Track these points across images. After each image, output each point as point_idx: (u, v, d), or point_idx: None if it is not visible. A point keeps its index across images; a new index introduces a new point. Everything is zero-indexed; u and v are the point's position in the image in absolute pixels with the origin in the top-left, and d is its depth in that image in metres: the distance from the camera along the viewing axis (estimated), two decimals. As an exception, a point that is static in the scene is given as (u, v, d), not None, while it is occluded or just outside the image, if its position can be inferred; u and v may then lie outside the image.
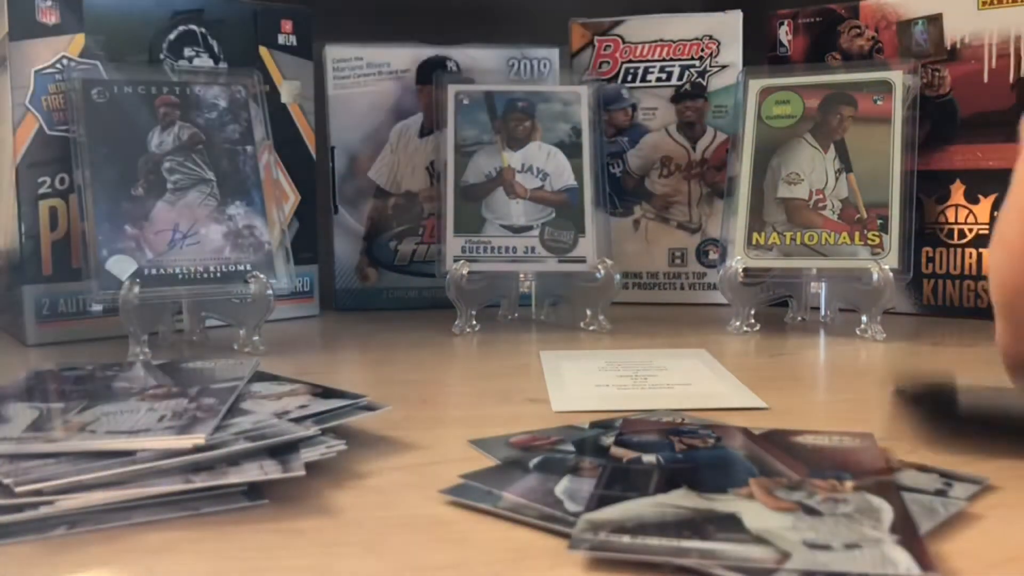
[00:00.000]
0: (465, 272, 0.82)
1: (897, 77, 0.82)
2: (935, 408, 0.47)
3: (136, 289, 0.72)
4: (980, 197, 0.88)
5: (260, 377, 0.58)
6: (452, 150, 0.86)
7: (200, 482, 0.40)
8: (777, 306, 0.88)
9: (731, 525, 0.36)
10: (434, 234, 0.95)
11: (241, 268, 0.77)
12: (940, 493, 0.40)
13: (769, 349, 0.76)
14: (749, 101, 0.86)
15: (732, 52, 0.98)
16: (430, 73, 0.95)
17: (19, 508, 0.38)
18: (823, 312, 0.87)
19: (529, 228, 0.84)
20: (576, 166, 0.86)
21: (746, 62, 0.98)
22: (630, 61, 1.00)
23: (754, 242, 0.83)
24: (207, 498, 0.40)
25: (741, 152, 0.86)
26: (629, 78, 1.01)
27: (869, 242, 0.80)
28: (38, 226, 0.79)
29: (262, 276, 0.76)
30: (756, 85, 0.87)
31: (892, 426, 0.54)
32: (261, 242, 0.78)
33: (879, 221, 0.80)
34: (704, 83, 0.99)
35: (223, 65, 0.87)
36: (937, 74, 0.89)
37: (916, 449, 0.48)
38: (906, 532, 0.35)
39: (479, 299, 0.85)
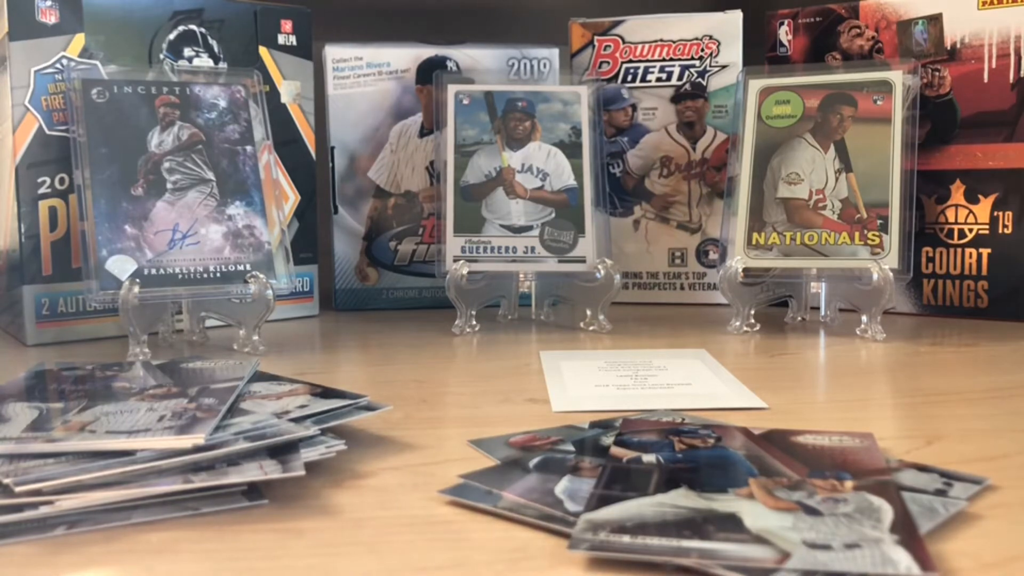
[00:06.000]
0: (465, 272, 0.82)
1: (897, 77, 0.82)
2: None
3: (136, 289, 0.72)
4: (980, 197, 0.88)
5: (260, 377, 0.58)
6: (452, 150, 0.86)
7: (200, 482, 0.40)
8: (777, 306, 0.88)
9: (731, 525, 0.36)
10: (434, 234, 0.95)
11: (241, 268, 0.77)
12: (940, 493, 0.40)
13: (769, 349, 0.76)
14: (749, 101, 0.86)
15: (732, 52, 0.98)
16: (430, 73, 0.94)
17: (19, 508, 0.38)
18: (823, 312, 0.87)
19: (529, 228, 0.84)
20: (576, 166, 0.86)
21: (746, 62, 0.98)
22: (630, 61, 1.00)
23: (754, 242, 0.83)
24: (207, 498, 0.40)
25: (741, 152, 0.86)
26: (629, 78, 1.01)
27: (869, 242, 0.80)
28: (38, 226, 0.79)
29: (262, 276, 0.76)
30: (756, 85, 0.87)
31: (892, 426, 0.54)
32: (261, 242, 0.78)
33: (879, 221, 0.80)
34: (704, 83, 0.99)
35: (223, 65, 0.87)
36: (937, 74, 0.89)
37: (916, 449, 0.48)
38: (906, 532, 0.35)
39: (479, 299, 0.85)
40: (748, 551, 0.33)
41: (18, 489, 0.38)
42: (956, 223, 0.89)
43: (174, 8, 0.85)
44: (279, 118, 0.90)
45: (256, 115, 0.82)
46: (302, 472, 0.41)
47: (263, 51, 0.90)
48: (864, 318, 0.80)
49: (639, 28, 1.00)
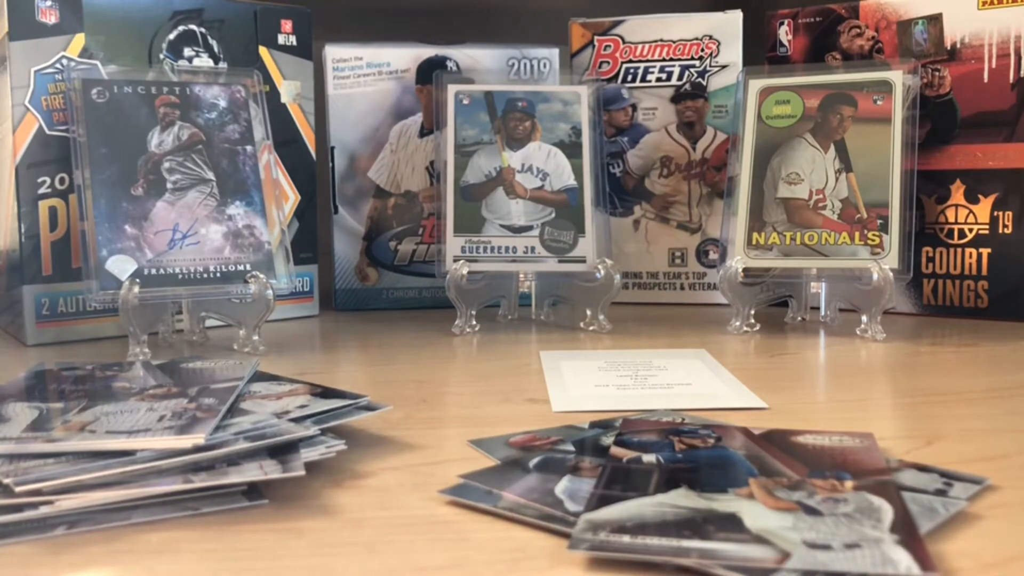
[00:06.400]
0: (465, 272, 0.82)
1: (897, 77, 0.82)
2: None
3: (136, 289, 0.72)
4: (980, 197, 0.88)
5: (260, 377, 0.58)
6: (452, 150, 0.86)
7: (200, 482, 0.40)
8: (777, 306, 0.88)
9: (731, 525, 0.36)
10: (434, 234, 0.95)
11: (241, 268, 0.77)
12: (940, 493, 0.40)
13: (769, 349, 0.76)
14: (749, 101, 0.86)
15: (732, 52, 0.98)
16: (430, 73, 0.94)
17: (19, 508, 0.38)
18: (823, 312, 0.87)
19: (529, 228, 0.84)
20: (576, 166, 0.86)
21: (746, 62, 0.98)
22: (630, 61, 1.00)
23: (754, 242, 0.83)
24: (207, 498, 0.40)
25: (741, 152, 0.86)
26: (629, 78, 1.01)
27: (869, 242, 0.80)
28: (38, 226, 0.79)
29: (262, 276, 0.76)
30: (756, 85, 0.87)
31: (892, 426, 0.54)
32: (261, 242, 0.78)
33: (879, 221, 0.80)
34: (704, 83, 0.99)
35: (223, 65, 0.87)
36: (937, 74, 0.89)
37: (916, 449, 0.48)
38: (906, 532, 0.35)
39: (479, 299, 0.85)
40: (748, 551, 0.33)
41: (18, 489, 0.38)
42: (956, 223, 0.89)
43: (174, 8, 0.85)
44: (279, 118, 0.90)
45: (256, 115, 0.82)
46: (302, 472, 0.41)
47: (263, 51, 0.90)
48: (864, 318, 0.80)
49: (639, 28, 1.00)
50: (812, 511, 0.37)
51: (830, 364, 0.71)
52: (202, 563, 0.35)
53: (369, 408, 0.51)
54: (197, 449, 0.42)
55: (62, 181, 0.80)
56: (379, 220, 0.98)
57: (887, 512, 0.37)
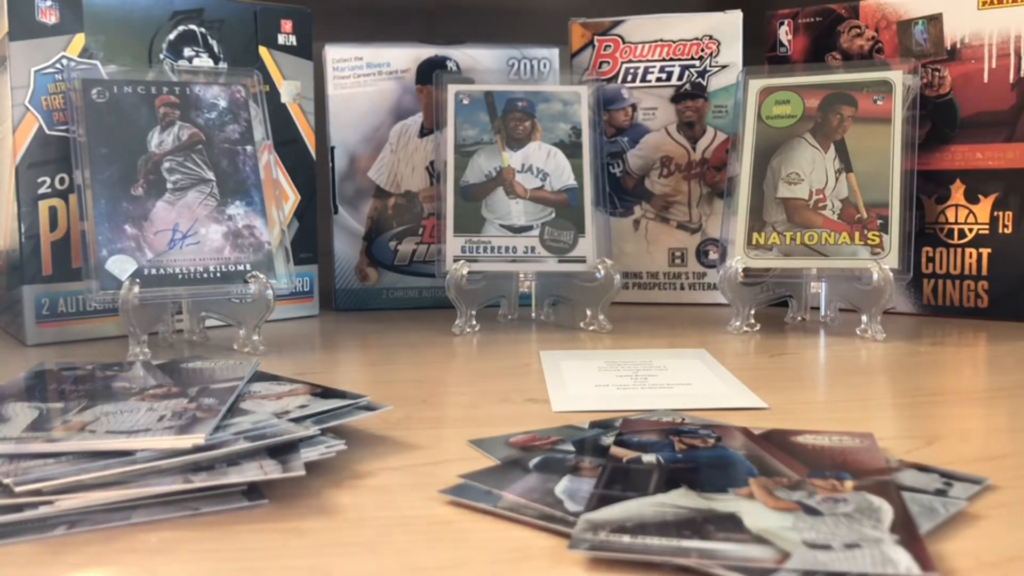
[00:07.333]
0: (465, 272, 0.82)
1: (897, 77, 0.82)
2: None
3: (136, 289, 0.72)
4: (980, 197, 0.88)
5: (260, 377, 0.58)
6: (452, 150, 0.86)
7: (200, 482, 0.40)
8: (777, 306, 0.88)
9: (731, 525, 0.36)
10: (434, 234, 0.95)
11: (241, 268, 0.77)
12: (940, 493, 0.40)
13: (769, 349, 0.76)
14: (749, 101, 0.86)
15: (732, 52, 0.98)
16: (430, 73, 0.95)
17: (19, 508, 0.38)
18: (823, 312, 0.87)
19: (529, 228, 0.84)
20: (576, 166, 0.86)
21: (746, 62, 0.98)
22: (630, 61, 1.00)
23: (754, 242, 0.83)
24: (207, 498, 0.40)
25: (741, 152, 0.86)
26: (629, 78, 1.01)
27: (869, 242, 0.80)
28: (38, 226, 0.79)
29: (262, 276, 0.76)
30: (756, 85, 0.87)
31: (892, 426, 0.54)
32: (261, 242, 0.78)
33: (879, 221, 0.80)
34: (704, 83, 0.99)
35: (223, 65, 0.87)
36: (937, 74, 0.89)
37: (916, 449, 0.48)
38: (906, 532, 0.35)
39: (479, 299, 0.85)
40: (748, 551, 0.33)
41: (18, 489, 0.38)
42: (956, 223, 0.89)
43: (174, 8, 0.85)
44: (279, 118, 0.90)
45: (256, 115, 0.82)
46: (302, 472, 0.41)
47: (263, 51, 0.90)
48: (864, 318, 0.80)
49: (639, 28, 1.00)
50: (812, 511, 0.37)
51: (830, 364, 0.71)
52: (202, 563, 0.35)
53: (369, 408, 0.51)
54: (197, 449, 0.42)
55: (62, 181, 0.80)
56: (379, 220, 0.98)
57: (887, 512, 0.37)
